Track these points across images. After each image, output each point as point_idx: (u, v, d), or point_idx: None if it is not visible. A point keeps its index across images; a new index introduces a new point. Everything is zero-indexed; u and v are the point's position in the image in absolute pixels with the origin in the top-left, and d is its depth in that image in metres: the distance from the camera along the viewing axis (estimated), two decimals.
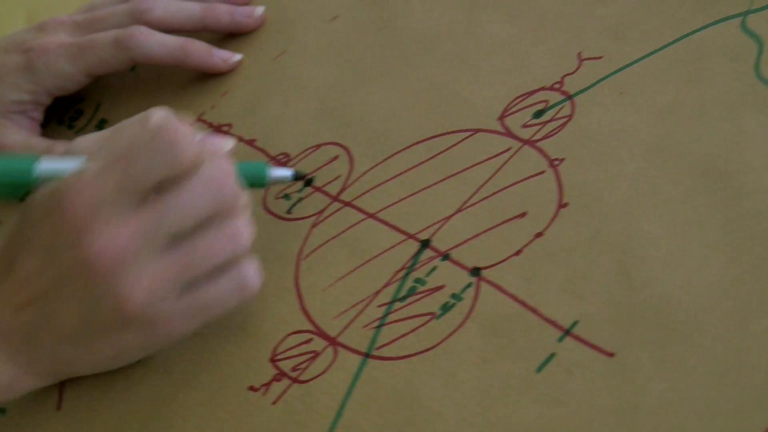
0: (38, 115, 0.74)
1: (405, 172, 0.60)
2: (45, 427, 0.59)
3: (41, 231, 0.53)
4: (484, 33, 0.65)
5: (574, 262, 0.52)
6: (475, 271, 0.54)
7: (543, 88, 0.60)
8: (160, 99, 0.73)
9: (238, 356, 0.56)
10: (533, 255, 0.53)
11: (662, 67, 0.58)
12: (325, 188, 0.62)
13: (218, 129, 0.68)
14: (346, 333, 0.55)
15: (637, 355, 0.48)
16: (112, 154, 0.52)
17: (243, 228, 0.54)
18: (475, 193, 0.57)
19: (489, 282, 0.53)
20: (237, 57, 0.73)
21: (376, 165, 0.61)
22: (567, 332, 0.50)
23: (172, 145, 0.52)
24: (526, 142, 0.58)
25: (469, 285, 0.54)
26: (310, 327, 0.56)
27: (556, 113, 0.58)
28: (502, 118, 0.60)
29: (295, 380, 0.54)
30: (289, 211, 0.61)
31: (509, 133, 0.59)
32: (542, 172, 0.56)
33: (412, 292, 0.55)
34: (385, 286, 0.55)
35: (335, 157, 0.63)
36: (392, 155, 0.61)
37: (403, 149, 0.61)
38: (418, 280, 0.55)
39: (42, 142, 0.72)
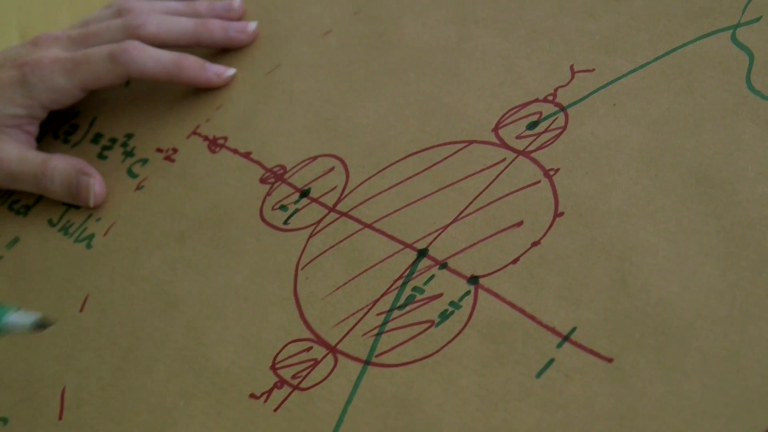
0: (33, 129, 0.74)
1: (401, 182, 0.61)
2: None
3: None
4: (476, 47, 0.66)
5: (571, 270, 0.53)
6: (473, 280, 0.55)
7: (536, 100, 0.61)
8: (154, 113, 0.74)
9: (239, 365, 0.57)
10: (530, 263, 0.54)
11: (654, 79, 0.59)
12: (322, 199, 0.62)
13: (213, 141, 0.69)
14: (345, 341, 0.55)
15: (636, 360, 0.48)
16: None
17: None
18: (471, 203, 0.58)
19: (487, 290, 0.54)
20: (231, 71, 0.73)
21: (372, 176, 0.62)
22: (565, 338, 0.50)
23: None
24: (520, 153, 0.59)
25: (467, 293, 0.54)
26: (309, 335, 0.56)
27: (550, 124, 0.59)
28: (496, 129, 0.61)
29: (296, 387, 0.55)
30: (286, 222, 0.62)
31: (504, 144, 0.60)
32: (537, 182, 0.57)
33: (410, 300, 0.55)
34: (384, 294, 0.56)
35: (331, 169, 0.64)
36: (387, 166, 0.62)
37: (399, 160, 0.62)
38: (416, 289, 0.56)
39: (37, 156, 0.72)
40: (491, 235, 0.56)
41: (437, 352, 0.53)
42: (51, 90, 0.73)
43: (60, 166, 0.71)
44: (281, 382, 0.55)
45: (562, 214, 0.55)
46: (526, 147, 0.59)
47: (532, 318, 0.52)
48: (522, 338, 0.51)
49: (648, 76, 0.59)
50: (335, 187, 0.62)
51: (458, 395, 0.51)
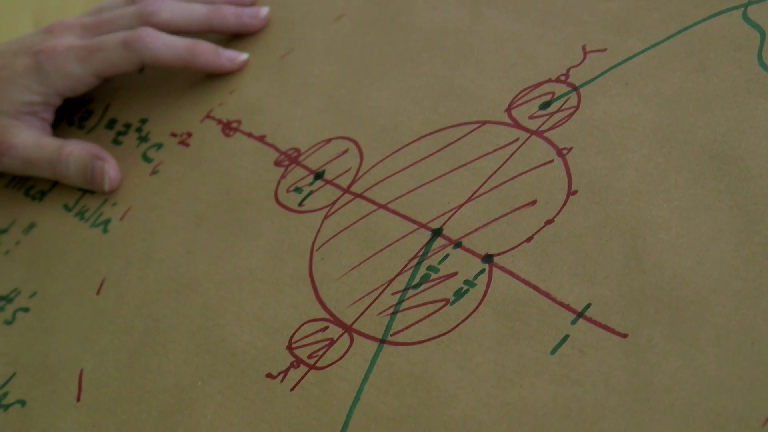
0: (49, 116, 0.75)
1: (414, 163, 0.61)
2: (65, 419, 0.59)
3: None
4: (488, 29, 0.66)
5: (585, 247, 0.53)
6: (488, 258, 0.55)
7: (549, 80, 0.61)
8: (168, 97, 0.74)
9: (255, 345, 0.57)
10: (544, 241, 0.54)
11: (666, 58, 0.59)
12: (336, 181, 0.63)
13: (227, 125, 0.69)
14: (361, 320, 0.56)
15: (650, 334, 0.49)
16: None
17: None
18: (484, 183, 0.58)
19: (501, 268, 0.54)
20: (244, 56, 0.74)
21: (386, 157, 0.62)
22: (580, 315, 0.51)
23: None
24: (533, 132, 0.59)
25: (481, 271, 0.55)
26: (325, 315, 0.57)
27: (563, 104, 0.60)
28: (509, 109, 0.61)
29: (312, 367, 0.55)
30: (300, 204, 0.63)
31: (517, 124, 0.60)
32: (551, 162, 0.57)
33: (425, 279, 0.56)
34: (399, 274, 0.57)
35: (345, 151, 0.64)
36: (401, 148, 0.62)
37: (412, 142, 0.62)
38: (430, 268, 0.56)
39: (53, 142, 0.73)
40: (505, 214, 0.56)
41: (452, 330, 0.53)
42: (66, 77, 0.73)
43: (75, 151, 0.72)
44: (297, 362, 0.56)
45: (575, 192, 0.55)
46: (539, 127, 0.59)
47: (547, 295, 0.52)
48: (537, 315, 0.52)
49: (660, 55, 0.59)
50: (349, 169, 0.63)
51: (474, 372, 0.51)
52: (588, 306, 0.51)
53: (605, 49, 0.61)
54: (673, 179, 0.54)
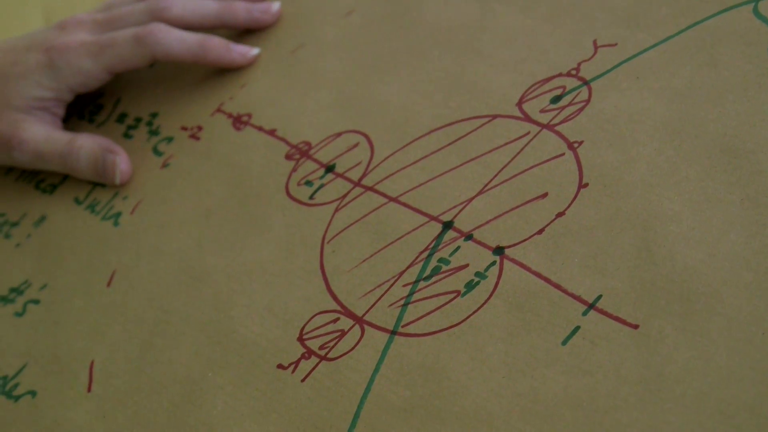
0: (60, 111, 0.75)
1: (425, 157, 0.61)
2: (75, 409, 0.60)
3: None
4: (499, 24, 0.67)
5: (596, 239, 0.53)
6: (499, 250, 0.55)
7: (560, 75, 0.61)
8: (179, 92, 0.74)
9: (266, 336, 0.57)
10: (555, 233, 0.54)
11: (677, 53, 0.59)
12: (347, 174, 0.63)
13: (238, 119, 0.70)
14: (372, 312, 0.56)
15: (661, 326, 0.49)
16: None
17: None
18: (495, 176, 0.58)
19: (512, 260, 0.54)
20: (255, 51, 0.74)
21: (397, 151, 0.62)
22: (591, 306, 0.51)
23: None
24: (544, 126, 0.59)
25: (492, 263, 0.55)
26: (336, 307, 0.57)
27: (574, 98, 0.60)
28: (520, 103, 0.61)
29: (323, 358, 0.55)
30: (311, 197, 0.63)
31: (528, 118, 0.60)
32: (562, 155, 0.57)
33: (436, 271, 0.56)
34: (410, 266, 0.57)
35: (356, 144, 0.64)
36: (412, 141, 0.62)
37: (423, 135, 0.62)
38: (442, 260, 0.56)
39: (63, 136, 0.73)
40: (516, 207, 0.56)
41: (463, 321, 0.53)
42: (78, 73, 0.73)
43: (86, 144, 0.72)
44: (309, 353, 0.56)
45: (586, 185, 0.55)
46: (550, 120, 0.59)
47: (558, 287, 0.52)
48: (548, 307, 0.52)
49: (671, 49, 0.60)
50: (360, 162, 0.63)
51: (485, 363, 0.51)
52: (599, 297, 0.51)
53: (616, 44, 0.61)
54: (684, 172, 0.54)
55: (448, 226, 0.57)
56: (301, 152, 0.65)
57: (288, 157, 0.66)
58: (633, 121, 0.57)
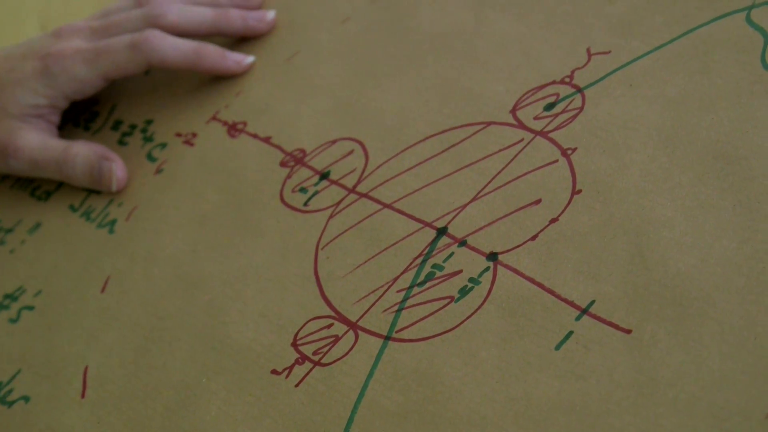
0: (56, 118, 0.75)
1: (419, 164, 0.61)
2: (69, 415, 0.60)
3: None
4: (493, 31, 0.67)
5: (590, 245, 0.53)
6: (492, 256, 0.55)
7: (553, 82, 0.62)
8: (174, 99, 0.75)
9: (260, 342, 0.57)
10: (549, 239, 0.55)
11: (670, 60, 0.59)
12: (341, 181, 0.63)
13: (233, 127, 0.70)
14: (366, 317, 0.56)
15: (654, 330, 0.49)
16: None
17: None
18: (489, 183, 0.58)
19: (506, 266, 0.55)
20: (250, 59, 0.74)
21: (391, 158, 0.63)
22: (584, 311, 0.51)
23: None
24: (538, 133, 0.59)
25: (486, 269, 0.55)
26: (330, 313, 0.57)
27: (567, 105, 0.60)
28: (513, 111, 0.61)
29: (317, 363, 0.55)
30: (306, 204, 0.63)
31: (521, 125, 0.60)
32: (555, 161, 0.58)
33: (430, 277, 0.56)
34: (404, 272, 0.57)
35: (350, 152, 0.64)
36: (406, 148, 0.63)
37: (417, 142, 0.63)
38: (435, 266, 0.56)
39: (59, 143, 0.73)
40: (510, 213, 0.57)
41: (457, 326, 0.53)
42: (73, 80, 0.74)
43: (82, 152, 0.72)
44: (302, 358, 0.56)
45: (579, 191, 0.56)
46: (544, 127, 0.59)
47: (551, 292, 0.52)
48: (541, 312, 0.52)
49: (664, 57, 0.60)
50: (354, 169, 0.63)
51: (478, 368, 0.52)
52: (592, 303, 0.51)
53: (609, 51, 0.62)
54: (677, 178, 0.54)
55: (442, 232, 0.58)
56: (295, 159, 0.66)
57: (283, 164, 0.66)
58: (626, 128, 0.57)
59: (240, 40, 0.77)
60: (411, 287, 0.56)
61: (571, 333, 0.51)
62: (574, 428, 0.48)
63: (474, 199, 0.58)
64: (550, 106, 0.60)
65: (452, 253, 0.56)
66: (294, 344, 0.57)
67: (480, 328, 0.53)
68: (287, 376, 0.56)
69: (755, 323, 0.47)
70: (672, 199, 0.53)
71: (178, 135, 0.72)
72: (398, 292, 0.56)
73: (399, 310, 0.55)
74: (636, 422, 0.47)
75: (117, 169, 0.71)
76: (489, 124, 0.61)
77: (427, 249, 0.57)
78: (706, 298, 0.49)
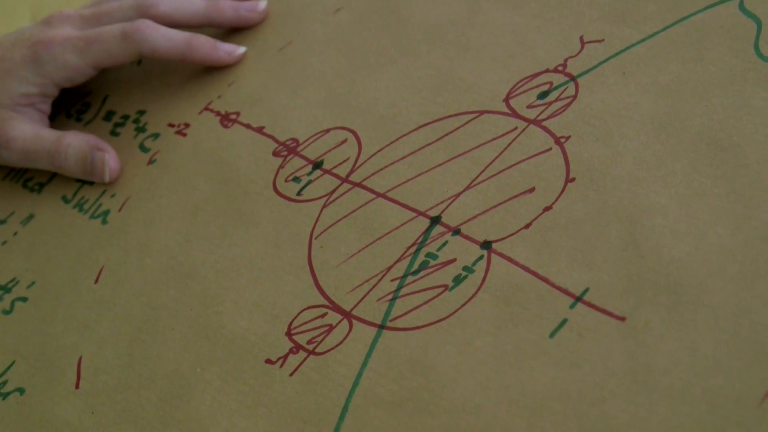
0: (46, 107, 0.75)
1: (413, 153, 0.61)
2: (63, 406, 0.60)
3: None
4: (487, 21, 0.67)
5: (583, 233, 0.53)
6: (486, 245, 0.55)
7: (547, 71, 0.62)
8: (166, 90, 0.74)
9: (254, 332, 0.57)
10: (543, 227, 0.55)
11: (663, 48, 0.59)
12: (335, 170, 0.63)
13: (226, 117, 0.70)
14: (360, 306, 0.56)
15: (648, 318, 0.49)
16: None
17: None
18: (483, 171, 0.58)
19: (500, 254, 0.55)
20: (241, 50, 0.74)
21: (384, 147, 0.63)
22: (578, 299, 0.51)
23: None
24: (531, 121, 0.59)
25: (480, 258, 0.55)
26: (324, 302, 0.57)
27: (561, 94, 0.60)
28: (507, 99, 0.61)
29: (311, 352, 0.55)
30: (299, 193, 0.63)
31: (515, 114, 0.60)
32: (549, 150, 0.58)
33: (424, 266, 0.56)
34: (398, 261, 0.57)
35: (343, 141, 0.64)
36: (400, 137, 0.63)
37: (411, 131, 0.63)
38: (429, 255, 0.56)
39: (51, 134, 0.73)
40: (503, 202, 0.57)
41: (451, 315, 0.53)
42: (63, 68, 0.73)
43: (74, 142, 0.72)
44: (297, 348, 0.56)
45: (573, 179, 0.56)
46: (537, 116, 0.59)
47: (545, 280, 0.52)
48: (535, 300, 0.52)
49: (657, 45, 0.60)
50: (348, 159, 0.63)
51: (473, 356, 0.52)
52: (586, 290, 0.51)
53: (603, 40, 0.62)
54: (670, 166, 0.54)
55: (435, 221, 0.58)
56: (288, 149, 0.66)
57: (276, 153, 0.66)
58: (620, 116, 0.57)
59: (232, 31, 0.76)
60: (405, 276, 0.56)
61: (565, 321, 0.51)
62: (568, 415, 0.48)
63: (468, 187, 0.58)
64: (543, 95, 0.60)
65: (446, 242, 0.56)
66: (288, 333, 0.57)
67: (474, 317, 0.53)
68: (281, 366, 0.56)
69: (749, 310, 0.47)
70: (666, 187, 0.53)
71: (171, 125, 0.72)
72: (392, 281, 0.56)
73: (393, 299, 0.55)
74: (630, 409, 0.47)
75: (110, 159, 0.71)
76: (482, 112, 0.61)
77: (421, 238, 0.57)
78: (700, 285, 0.49)
